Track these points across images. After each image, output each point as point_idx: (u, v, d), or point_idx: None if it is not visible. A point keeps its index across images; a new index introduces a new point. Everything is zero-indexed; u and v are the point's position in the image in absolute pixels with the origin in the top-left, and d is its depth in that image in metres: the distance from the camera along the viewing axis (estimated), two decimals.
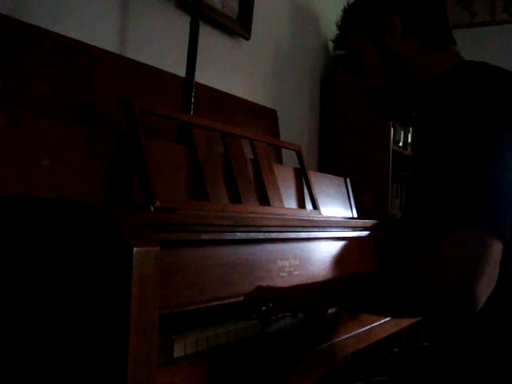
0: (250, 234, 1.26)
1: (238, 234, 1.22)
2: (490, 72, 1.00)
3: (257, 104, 2.12)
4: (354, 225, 1.76)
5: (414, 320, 1.73)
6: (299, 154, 1.86)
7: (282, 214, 1.56)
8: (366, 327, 1.43)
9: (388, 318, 1.53)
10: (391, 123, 2.99)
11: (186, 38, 1.62)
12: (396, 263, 0.97)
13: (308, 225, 1.51)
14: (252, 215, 1.38)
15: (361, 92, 1.22)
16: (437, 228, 0.89)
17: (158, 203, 1.16)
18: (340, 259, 1.65)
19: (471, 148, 0.90)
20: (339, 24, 1.24)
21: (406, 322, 1.67)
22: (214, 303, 1.14)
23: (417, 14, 1.14)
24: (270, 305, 1.13)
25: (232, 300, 1.18)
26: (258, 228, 1.28)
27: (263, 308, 1.15)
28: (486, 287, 0.84)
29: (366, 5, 1.19)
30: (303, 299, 1.08)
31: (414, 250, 0.99)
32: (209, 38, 2.19)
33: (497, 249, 0.86)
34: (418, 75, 1.12)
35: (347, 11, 1.22)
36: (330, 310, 1.27)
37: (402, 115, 1.22)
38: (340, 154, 3.08)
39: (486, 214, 0.87)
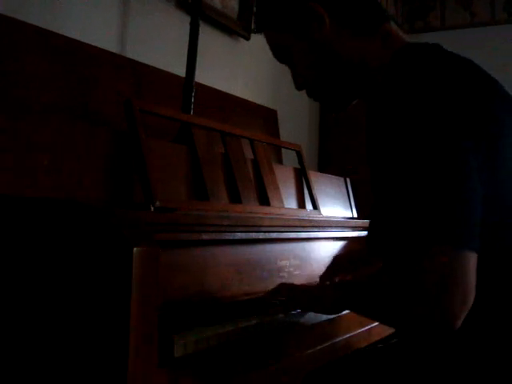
0: (250, 233, 1.26)
1: (238, 233, 1.22)
2: (440, 61, 0.95)
3: (257, 104, 2.12)
4: (353, 225, 1.76)
5: None
6: (299, 154, 1.86)
7: (282, 214, 1.56)
8: (366, 327, 1.43)
9: None
10: None
11: (186, 38, 1.62)
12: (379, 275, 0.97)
13: (308, 225, 1.51)
14: (252, 215, 1.38)
15: (296, 87, 1.15)
16: (409, 245, 0.88)
17: (157, 203, 1.16)
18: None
19: (432, 158, 0.86)
20: (256, 22, 1.14)
21: None
22: (214, 303, 1.14)
23: (343, 2, 1.05)
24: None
25: (232, 300, 1.18)
26: (258, 228, 1.28)
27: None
28: (461, 303, 0.83)
29: None
30: (317, 307, 1.10)
31: (384, 267, 0.98)
32: (209, 38, 2.19)
33: (470, 259, 0.85)
34: (355, 64, 1.05)
35: (262, 7, 1.11)
36: None
37: (341, 107, 1.14)
38: (340, 154, 3.08)
39: (454, 230, 0.85)
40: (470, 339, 0.94)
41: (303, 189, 1.82)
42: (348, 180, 2.20)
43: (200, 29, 1.61)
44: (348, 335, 1.34)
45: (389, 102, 0.94)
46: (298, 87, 1.15)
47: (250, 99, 2.11)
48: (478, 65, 1.00)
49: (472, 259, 0.85)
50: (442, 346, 0.97)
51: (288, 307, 1.15)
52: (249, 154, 1.60)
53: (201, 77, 1.67)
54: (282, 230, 1.38)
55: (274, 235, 1.34)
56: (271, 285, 1.24)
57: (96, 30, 1.71)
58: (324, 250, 1.58)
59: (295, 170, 1.83)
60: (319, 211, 1.80)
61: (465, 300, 0.84)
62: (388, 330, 1.56)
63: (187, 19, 1.64)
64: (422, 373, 0.99)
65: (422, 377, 0.99)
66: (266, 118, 2.12)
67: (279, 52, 1.13)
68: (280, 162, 2.07)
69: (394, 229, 0.93)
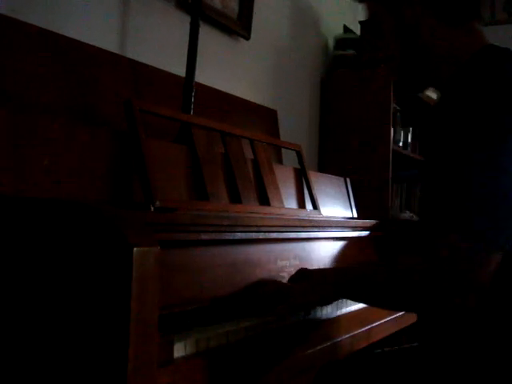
0: (250, 233, 1.26)
1: (238, 233, 1.22)
2: None
3: (257, 104, 2.12)
4: (353, 225, 1.76)
5: (413, 319, 1.73)
6: (299, 154, 1.86)
7: (282, 214, 1.56)
8: (366, 327, 1.43)
9: (388, 318, 1.53)
10: (391, 123, 2.99)
11: (186, 38, 1.62)
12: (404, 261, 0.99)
13: (308, 225, 1.51)
14: (252, 215, 1.38)
15: (386, 60, 1.22)
16: (442, 232, 0.90)
17: (157, 203, 1.16)
18: (340, 259, 1.65)
19: (483, 156, 0.90)
20: None
21: (405, 323, 1.67)
22: (214, 303, 1.14)
23: None
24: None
25: (232, 300, 1.18)
26: (258, 228, 1.28)
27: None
28: (477, 293, 0.86)
29: None
30: (314, 295, 1.11)
31: (417, 250, 1.00)
32: (209, 37, 2.19)
33: (495, 260, 0.87)
34: (435, 50, 1.10)
35: None
36: (330, 310, 1.27)
37: (416, 88, 1.22)
38: (340, 153, 3.08)
39: (487, 228, 0.87)
40: (480, 343, 0.95)
41: (303, 189, 1.82)
42: (348, 180, 2.20)
43: (200, 29, 1.61)
44: (348, 335, 1.34)
45: (462, 98, 0.96)
46: (387, 61, 1.22)
47: (250, 99, 2.11)
48: None
49: (497, 260, 0.88)
50: (457, 351, 0.98)
51: (288, 305, 1.15)
52: (249, 154, 1.60)
53: (201, 77, 1.67)
54: (282, 230, 1.38)
55: (274, 235, 1.34)
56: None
57: (96, 30, 1.71)
58: (324, 250, 1.58)
59: (295, 170, 1.83)
60: (319, 211, 1.80)
61: (481, 289, 0.87)
62: (389, 330, 1.56)
63: (187, 19, 1.63)
64: (436, 378, 1.00)
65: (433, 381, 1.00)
66: (266, 117, 2.12)
67: (374, 23, 1.19)
68: (280, 162, 2.07)
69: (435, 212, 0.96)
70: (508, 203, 0.89)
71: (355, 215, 2.18)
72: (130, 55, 1.73)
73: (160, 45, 1.97)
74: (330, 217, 1.91)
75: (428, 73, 1.13)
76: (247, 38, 2.44)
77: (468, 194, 0.89)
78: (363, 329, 1.42)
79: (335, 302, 1.27)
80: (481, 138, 0.91)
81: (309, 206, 1.80)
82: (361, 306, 1.37)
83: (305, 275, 1.17)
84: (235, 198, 1.45)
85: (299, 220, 1.52)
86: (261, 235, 1.29)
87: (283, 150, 2.06)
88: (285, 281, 1.32)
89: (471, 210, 0.88)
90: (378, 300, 1.06)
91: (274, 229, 1.34)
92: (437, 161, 0.98)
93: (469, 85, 0.97)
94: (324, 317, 1.26)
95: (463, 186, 0.90)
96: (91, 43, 1.47)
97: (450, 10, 1.09)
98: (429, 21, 1.09)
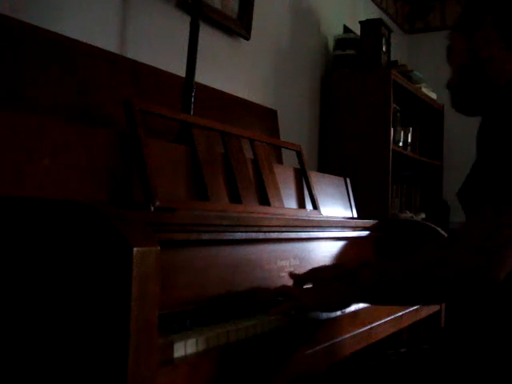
0: (250, 233, 1.26)
1: (238, 233, 1.22)
2: None
3: (257, 104, 2.12)
4: (353, 225, 1.76)
5: (413, 319, 1.73)
6: (299, 154, 1.86)
7: (282, 214, 1.56)
8: (366, 327, 1.43)
9: (388, 318, 1.53)
10: (391, 123, 2.99)
11: (186, 38, 1.62)
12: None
13: (308, 225, 1.51)
14: (252, 215, 1.38)
15: (446, 85, 1.23)
16: (474, 205, 0.93)
17: (157, 203, 1.16)
18: (340, 259, 1.65)
19: None
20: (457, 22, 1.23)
21: (405, 323, 1.67)
22: (214, 303, 1.14)
23: (509, 17, 1.11)
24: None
25: (232, 300, 1.18)
26: (258, 228, 1.28)
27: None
28: (504, 265, 0.87)
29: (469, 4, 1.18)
30: (323, 305, 1.11)
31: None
32: (209, 37, 2.19)
33: None
34: (495, 77, 1.12)
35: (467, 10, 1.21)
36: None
37: (470, 111, 1.22)
38: (340, 153, 3.08)
39: None
40: (491, 347, 0.95)
41: (303, 189, 1.82)
42: (348, 180, 2.20)
43: (200, 29, 1.61)
44: (348, 335, 1.34)
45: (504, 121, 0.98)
46: (447, 85, 1.23)
47: (250, 99, 2.11)
48: None
49: None
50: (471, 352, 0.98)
51: (293, 308, 1.15)
52: (249, 154, 1.60)
53: (201, 77, 1.67)
54: (282, 230, 1.38)
55: (274, 235, 1.34)
56: (271, 285, 1.24)
57: (96, 30, 1.71)
58: (324, 250, 1.58)
59: (295, 170, 1.83)
60: (319, 211, 1.80)
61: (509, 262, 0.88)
62: (388, 330, 1.56)
63: (187, 19, 1.63)
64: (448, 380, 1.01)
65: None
66: (266, 117, 2.12)
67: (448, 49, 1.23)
68: (280, 162, 2.07)
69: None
70: None
71: (355, 215, 2.18)
72: (130, 55, 1.74)
73: (160, 45, 1.97)
74: (330, 217, 1.91)
75: (487, 97, 1.14)
76: (247, 38, 2.44)
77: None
78: (364, 328, 1.42)
79: None
80: None
81: (309, 206, 1.80)
82: (361, 305, 1.37)
83: (317, 277, 1.17)
84: (235, 198, 1.45)
85: (299, 220, 1.52)
86: (261, 235, 1.29)
87: (283, 150, 2.06)
88: (284, 281, 1.32)
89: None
90: (398, 298, 1.05)
91: (274, 229, 1.34)
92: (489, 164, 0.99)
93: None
94: (325, 317, 1.26)
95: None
96: (91, 43, 1.47)
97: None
98: (497, 48, 1.11)
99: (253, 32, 2.45)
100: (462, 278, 0.90)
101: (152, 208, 1.15)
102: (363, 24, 3.14)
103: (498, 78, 1.11)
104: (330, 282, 1.11)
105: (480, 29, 1.12)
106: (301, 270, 1.42)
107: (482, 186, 0.95)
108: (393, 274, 1.00)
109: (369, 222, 1.82)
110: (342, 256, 1.65)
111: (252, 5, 2.42)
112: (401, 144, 3.30)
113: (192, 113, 1.55)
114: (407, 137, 3.39)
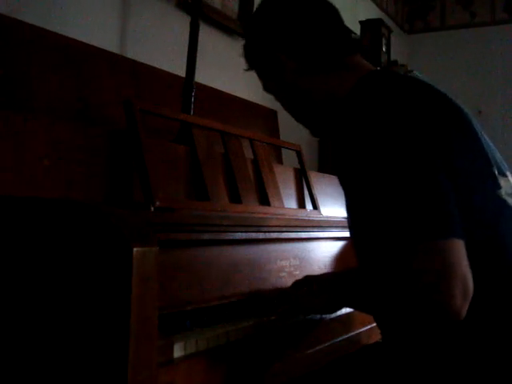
0: (250, 233, 1.26)
1: (238, 233, 1.22)
2: (398, 86, 1.05)
3: (257, 104, 2.12)
4: None
5: None
6: (299, 154, 1.86)
7: (282, 214, 1.56)
8: (367, 327, 1.43)
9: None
10: None
11: (186, 38, 1.62)
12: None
13: (308, 225, 1.51)
14: (252, 215, 1.38)
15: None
16: (400, 247, 0.89)
17: (157, 203, 1.16)
18: (340, 259, 1.64)
19: (401, 168, 0.91)
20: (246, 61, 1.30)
21: None
22: (214, 303, 1.14)
23: (301, 48, 1.14)
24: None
25: (232, 300, 1.18)
26: (258, 228, 1.28)
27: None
28: (463, 292, 0.84)
29: (256, 47, 1.26)
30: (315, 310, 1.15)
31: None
32: (209, 37, 2.19)
33: (459, 246, 0.85)
34: (322, 98, 1.14)
35: (246, 53, 1.31)
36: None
37: (322, 134, 1.27)
38: None
39: (434, 223, 0.86)
40: (466, 338, 0.94)
41: (303, 189, 1.82)
42: None
43: (200, 29, 1.61)
44: (348, 335, 1.34)
45: (352, 128, 0.99)
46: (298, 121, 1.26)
47: (250, 99, 2.11)
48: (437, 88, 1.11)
49: (460, 246, 0.86)
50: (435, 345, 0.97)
51: (289, 312, 1.16)
52: (249, 154, 1.60)
53: (201, 77, 1.67)
54: (282, 230, 1.38)
55: (274, 235, 1.34)
56: (271, 285, 1.24)
57: (96, 30, 1.71)
58: (324, 250, 1.58)
59: (295, 170, 1.83)
60: (319, 211, 1.80)
61: (466, 288, 0.85)
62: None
63: (187, 19, 1.63)
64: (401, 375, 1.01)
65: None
66: (265, 117, 2.12)
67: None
68: (280, 162, 2.07)
69: (378, 240, 0.96)
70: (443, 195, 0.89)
71: None
72: (130, 55, 1.74)
73: (160, 45, 1.97)
74: (330, 217, 1.91)
75: (323, 117, 1.17)
76: None
77: (408, 203, 0.89)
78: (364, 329, 1.42)
79: None
80: (389, 156, 0.92)
81: (309, 206, 1.80)
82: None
83: (309, 282, 1.18)
84: (235, 198, 1.45)
85: (299, 220, 1.52)
86: (261, 235, 1.29)
87: (283, 150, 2.06)
88: (284, 281, 1.32)
89: (419, 216, 0.87)
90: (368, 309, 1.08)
91: (274, 229, 1.34)
92: (361, 191, 0.98)
93: (358, 113, 0.99)
94: (323, 317, 1.26)
95: (401, 199, 0.90)
96: (91, 43, 1.47)
97: (318, 62, 1.14)
98: (306, 76, 1.14)
99: None
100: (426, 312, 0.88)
101: (152, 208, 1.15)
102: (363, 24, 3.14)
103: (325, 100, 1.13)
104: (324, 285, 1.13)
105: (283, 70, 1.16)
106: (301, 270, 1.42)
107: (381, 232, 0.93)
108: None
109: None
110: (342, 256, 1.65)
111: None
112: None
113: (192, 113, 1.55)
114: None
